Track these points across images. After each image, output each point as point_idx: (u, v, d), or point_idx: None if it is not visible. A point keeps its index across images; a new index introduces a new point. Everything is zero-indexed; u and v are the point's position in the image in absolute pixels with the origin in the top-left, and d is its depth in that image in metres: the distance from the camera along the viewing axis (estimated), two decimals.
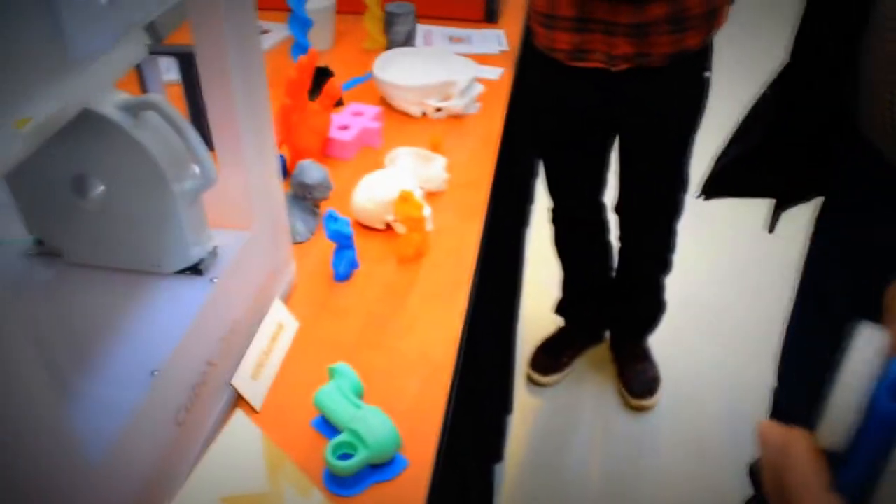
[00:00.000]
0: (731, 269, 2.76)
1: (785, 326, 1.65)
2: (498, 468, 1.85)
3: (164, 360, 0.74)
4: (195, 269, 0.86)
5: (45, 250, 0.88)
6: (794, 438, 0.41)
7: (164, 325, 0.79)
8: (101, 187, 0.80)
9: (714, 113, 1.86)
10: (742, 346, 2.45)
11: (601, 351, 2.40)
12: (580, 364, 2.38)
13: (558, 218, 2.10)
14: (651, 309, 2.19)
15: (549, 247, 2.20)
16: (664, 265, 2.08)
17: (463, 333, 1.03)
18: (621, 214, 1.99)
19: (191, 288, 0.85)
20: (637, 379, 2.25)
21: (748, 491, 1.93)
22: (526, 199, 2.03)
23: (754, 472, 1.95)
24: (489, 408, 1.57)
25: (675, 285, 2.22)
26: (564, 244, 2.17)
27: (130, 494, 0.66)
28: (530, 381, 2.33)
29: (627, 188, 1.91)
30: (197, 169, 0.82)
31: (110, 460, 0.62)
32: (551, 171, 1.98)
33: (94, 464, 0.59)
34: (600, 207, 2.06)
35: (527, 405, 2.28)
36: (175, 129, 0.78)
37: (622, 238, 2.06)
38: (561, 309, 2.32)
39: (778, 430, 0.42)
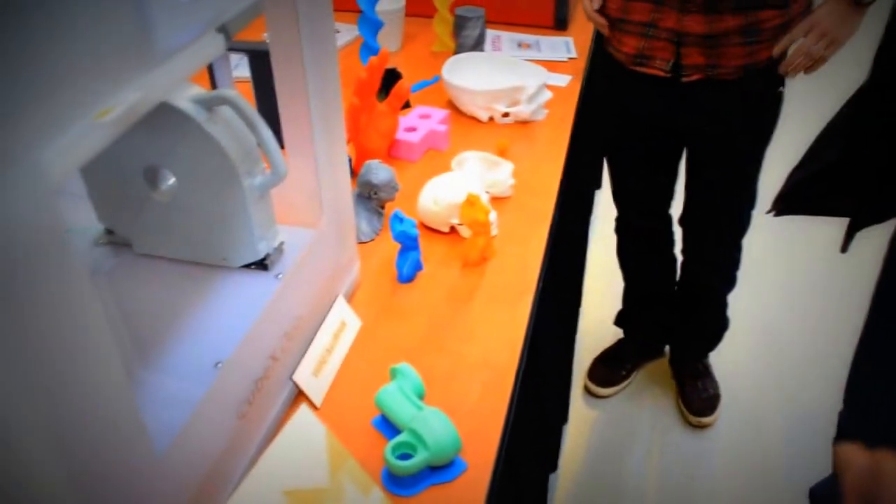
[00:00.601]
0: (799, 287, 2.70)
1: (855, 349, 1.60)
2: (552, 478, 1.84)
3: (228, 353, 0.74)
4: (261, 265, 0.87)
5: (114, 240, 0.89)
6: (886, 461, 0.39)
7: (228, 319, 0.79)
8: (173, 179, 0.81)
9: (786, 127, 1.82)
10: (806, 367, 2.38)
11: (661, 365, 2.37)
12: (639, 377, 2.35)
13: (623, 227, 2.08)
14: (714, 325, 2.15)
15: (607, 257, 2.17)
16: (728, 281, 2.03)
17: (526, 339, 1.02)
18: (686, 226, 1.96)
19: (256, 283, 0.85)
20: (697, 396, 2.21)
21: None
22: (589, 208, 2.02)
23: (816, 496, 1.90)
24: (548, 416, 1.56)
25: (740, 302, 2.17)
26: (628, 254, 2.15)
27: (192, 485, 0.67)
28: (588, 392, 2.31)
29: (693, 200, 1.88)
30: (267, 165, 0.82)
31: (174, 451, 0.62)
32: (618, 179, 1.95)
33: (160, 453, 0.59)
34: (667, 219, 2.03)
35: (583, 416, 2.25)
36: (247, 124, 0.78)
37: (686, 251, 2.02)
38: (621, 320, 2.29)
39: (864, 454, 0.40)
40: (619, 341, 2.33)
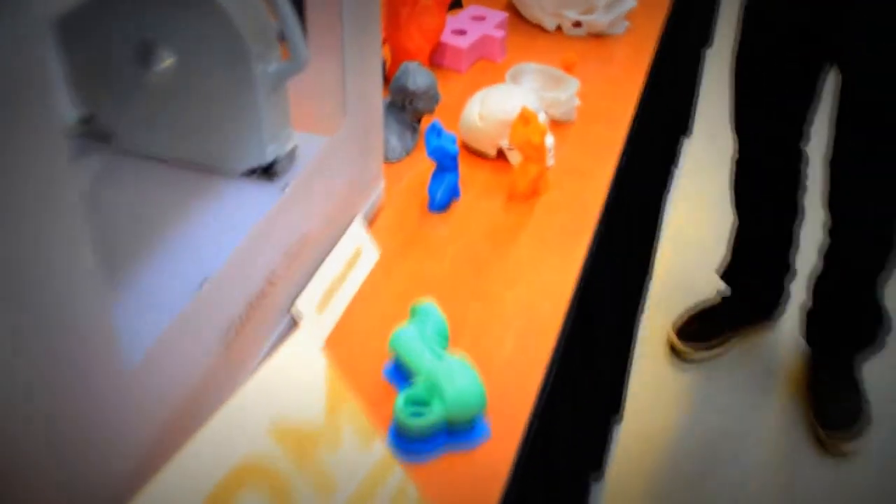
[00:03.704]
0: None
1: None
2: (595, 488, 1.68)
3: (216, 267, 0.75)
4: (267, 172, 0.88)
5: (92, 130, 0.90)
6: None
7: (222, 233, 0.81)
8: (170, 59, 0.82)
9: None
10: None
11: (786, 356, 2.27)
12: (743, 361, 2.26)
13: (744, 161, 2.05)
14: (865, 314, 2.03)
15: (690, 223, 2.13)
16: (886, 250, 1.90)
17: (576, 293, 1.03)
18: (833, 171, 1.86)
19: (260, 193, 0.87)
20: (837, 408, 2.06)
21: None
22: (672, 155, 2.00)
23: None
24: (595, 400, 1.55)
25: None
26: (745, 194, 2.11)
27: (165, 408, 0.68)
28: (674, 352, 2.26)
29: (844, 140, 1.79)
30: (284, 52, 0.83)
31: (146, 365, 0.64)
32: (744, 103, 1.92)
33: (129, 364, 0.61)
34: (798, 156, 1.98)
35: (648, 405, 2.14)
36: (268, 3, 0.79)
37: (832, 204, 1.91)
38: (728, 274, 2.26)
39: None
40: (723, 299, 2.29)
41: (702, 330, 2.26)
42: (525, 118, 1.10)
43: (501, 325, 0.96)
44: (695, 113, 1.98)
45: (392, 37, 1.33)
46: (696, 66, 2.31)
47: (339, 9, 0.88)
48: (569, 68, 1.34)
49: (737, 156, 2.06)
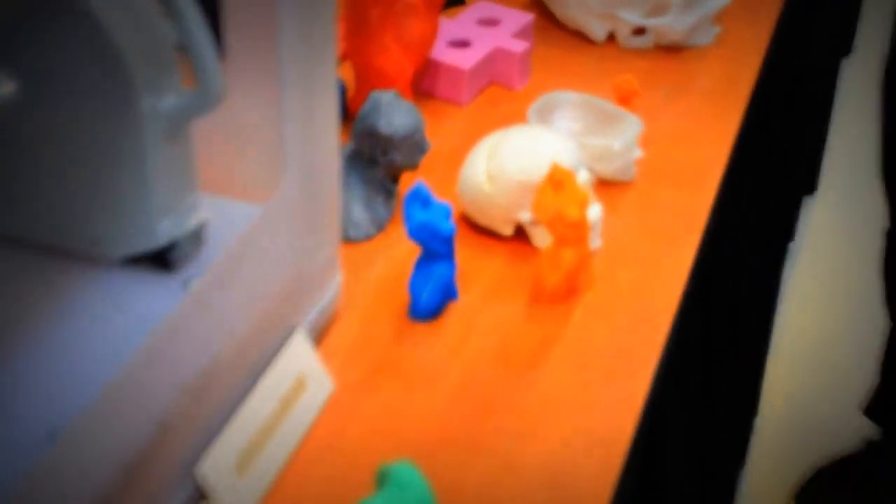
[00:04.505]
0: None
1: None
2: None
3: (73, 415, 0.74)
4: (161, 260, 0.87)
5: None
6: None
7: (89, 353, 0.79)
8: (12, 85, 0.81)
9: None
10: None
11: None
12: None
13: None
14: None
15: (815, 310, 2.12)
16: None
17: (634, 446, 1.01)
18: None
19: (148, 292, 0.86)
20: None
21: None
22: (788, 224, 1.99)
23: None
24: None
25: None
26: None
27: None
28: None
29: None
30: (188, 79, 0.82)
31: None
32: None
33: None
34: None
35: None
36: (167, 8, 0.78)
37: None
38: (878, 407, 2.27)
39: None
40: (868, 445, 2.30)
41: (836, 497, 2.25)
42: (556, 180, 1.09)
43: (522, 497, 0.95)
44: (823, 161, 1.97)
45: (357, 51, 1.33)
46: (827, 90, 2.31)
47: (272, 13, 0.88)
48: (626, 100, 1.34)
49: (889, 225, 2.06)
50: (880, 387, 2.23)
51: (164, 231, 0.86)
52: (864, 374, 2.28)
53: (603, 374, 1.08)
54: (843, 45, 2.38)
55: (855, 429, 2.29)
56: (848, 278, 2.39)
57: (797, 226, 2.04)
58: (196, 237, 0.89)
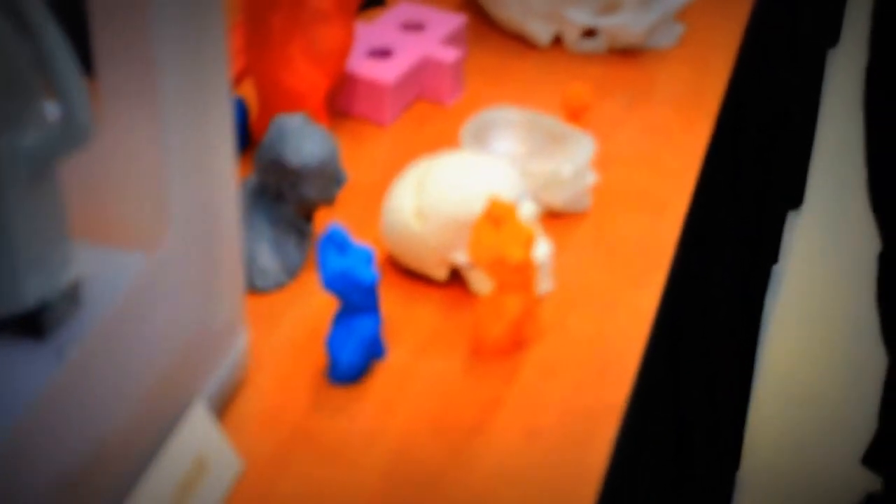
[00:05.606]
0: None
1: None
2: None
3: None
4: (30, 323, 0.83)
5: None
6: None
7: None
8: None
9: None
10: None
11: None
12: None
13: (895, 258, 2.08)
14: None
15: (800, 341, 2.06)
16: None
17: None
18: None
19: (13, 363, 0.81)
20: None
21: None
22: (770, 245, 1.99)
23: None
24: None
25: None
26: None
27: None
28: None
29: None
30: (54, 109, 0.78)
31: None
32: (889, 157, 1.95)
33: None
34: None
35: None
36: (21, 25, 0.75)
37: None
38: (877, 455, 2.25)
39: None
40: (869, 498, 2.30)
41: None
42: (495, 215, 1.05)
43: None
44: (809, 169, 1.92)
45: (259, 65, 1.31)
46: (812, 87, 2.28)
47: (147, 25, 0.83)
48: (577, 115, 1.30)
49: (882, 247, 2.07)
50: (880, 432, 2.26)
51: (31, 290, 0.82)
52: (861, 418, 2.32)
53: (557, 440, 1.03)
54: (828, 34, 2.36)
55: (853, 480, 2.32)
56: (840, 307, 2.46)
57: (781, 245, 1.99)
58: (70, 296, 0.85)
